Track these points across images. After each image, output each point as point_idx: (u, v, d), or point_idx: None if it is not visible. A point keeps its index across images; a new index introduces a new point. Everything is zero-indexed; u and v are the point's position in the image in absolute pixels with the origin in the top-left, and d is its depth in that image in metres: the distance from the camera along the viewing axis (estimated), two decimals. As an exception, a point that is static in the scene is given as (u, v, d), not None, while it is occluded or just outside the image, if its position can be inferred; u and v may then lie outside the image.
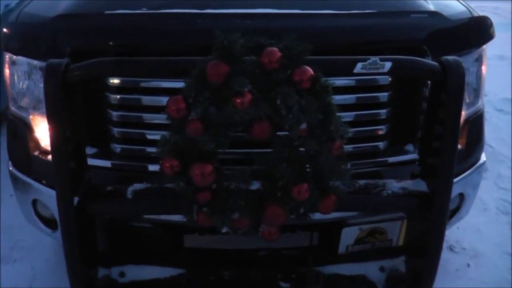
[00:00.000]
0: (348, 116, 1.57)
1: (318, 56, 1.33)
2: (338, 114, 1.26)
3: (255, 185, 1.33)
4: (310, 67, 1.21)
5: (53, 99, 1.33)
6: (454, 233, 2.76)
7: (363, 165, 1.66)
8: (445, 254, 2.61)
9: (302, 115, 1.18)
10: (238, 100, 1.16)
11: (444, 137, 1.43)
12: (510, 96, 4.73)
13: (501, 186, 3.39)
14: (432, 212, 1.49)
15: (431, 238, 1.50)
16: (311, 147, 1.23)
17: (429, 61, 1.39)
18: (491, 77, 5.23)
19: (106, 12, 1.61)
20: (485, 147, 3.79)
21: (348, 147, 1.62)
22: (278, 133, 1.27)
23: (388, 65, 1.28)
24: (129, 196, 1.48)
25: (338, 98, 1.55)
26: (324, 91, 1.20)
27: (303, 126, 1.20)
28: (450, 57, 1.38)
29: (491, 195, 3.26)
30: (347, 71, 1.29)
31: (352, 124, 1.60)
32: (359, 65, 1.27)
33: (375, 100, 1.60)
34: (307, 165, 1.30)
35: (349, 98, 1.57)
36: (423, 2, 1.76)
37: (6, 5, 3.67)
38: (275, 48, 1.18)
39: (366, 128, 1.62)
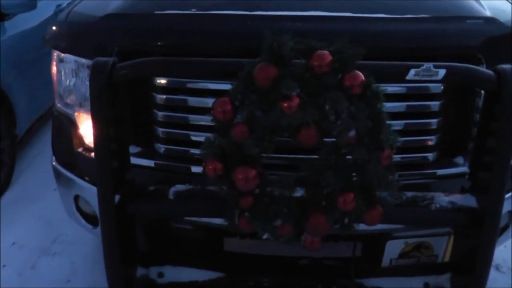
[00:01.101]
0: (397, 124, 1.51)
1: (369, 61, 1.29)
2: (388, 122, 1.22)
3: (299, 192, 1.29)
4: (362, 72, 1.17)
5: (98, 98, 1.34)
6: (500, 251, 2.63)
7: (411, 176, 1.60)
8: (491, 274, 2.50)
9: (352, 122, 1.14)
10: (286, 104, 1.13)
11: (497, 151, 1.36)
12: None
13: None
14: (482, 230, 1.42)
15: (479, 257, 1.43)
16: (359, 156, 1.19)
17: (484, 69, 1.33)
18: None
19: (154, 12, 1.61)
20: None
21: (396, 157, 1.57)
22: (325, 139, 1.23)
23: (442, 72, 1.23)
24: (171, 197, 1.47)
25: (388, 106, 1.51)
26: (375, 97, 1.15)
27: (352, 133, 1.16)
28: (506, 66, 1.31)
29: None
30: (400, 77, 1.24)
31: (401, 133, 1.54)
32: (412, 71, 1.22)
33: (426, 109, 1.54)
34: (354, 174, 1.26)
35: (399, 105, 1.51)
36: (479, 7, 1.68)
37: (58, 5, 3.77)
38: (325, 51, 1.14)
39: (415, 138, 1.56)
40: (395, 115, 1.50)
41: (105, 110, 1.36)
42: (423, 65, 1.22)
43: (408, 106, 1.52)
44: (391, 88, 1.44)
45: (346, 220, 1.27)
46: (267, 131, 1.18)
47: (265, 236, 1.31)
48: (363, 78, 1.14)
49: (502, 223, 1.92)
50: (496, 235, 1.47)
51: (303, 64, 1.16)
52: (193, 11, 1.58)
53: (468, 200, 1.47)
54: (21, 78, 3.14)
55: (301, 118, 1.15)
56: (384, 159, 1.21)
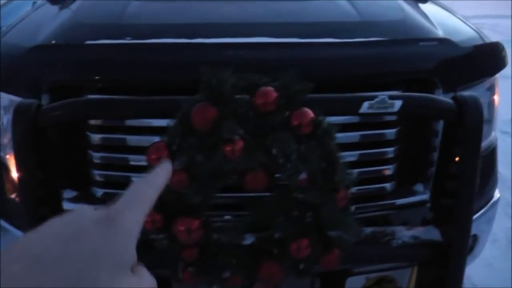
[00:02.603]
0: (351, 155, 1.43)
1: (318, 91, 1.19)
2: (342, 157, 1.12)
3: (250, 239, 1.18)
4: (312, 107, 1.07)
5: (22, 143, 1.20)
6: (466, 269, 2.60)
7: (369, 209, 1.51)
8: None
9: (302, 164, 1.03)
10: (228, 148, 1.01)
11: (461, 179, 1.28)
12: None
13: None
14: (448, 264, 1.33)
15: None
16: (312, 199, 1.08)
17: (443, 98, 1.25)
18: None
19: (85, 42, 1.47)
20: (493, 173, 3.64)
21: (352, 189, 1.48)
22: (276, 181, 1.12)
23: (398, 103, 1.14)
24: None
25: (341, 136, 1.42)
26: (327, 136, 1.05)
27: (303, 175, 1.05)
28: (466, 94, 1.25)
29: (501, 225, 3.10)
30: (352, 111, 1.15)
31: (357, 164, 1.46)
32: (366, 104, 1.13)
33: (382, 137, 1.45)
34: (308, 216, 1.15)
35: (353, 136, 1.42)
36: (432, 28, 1.62)
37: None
38: (270, 88, 1.03)
39: (371, 169, 1.47)
40: (349, 146, 1.41)
41: (31, 154, 1.22)
42: (377, 97, 1.13)
43: (362, 135, 1.44)
44: (343, 118, 1.35)
45: (301, 266, 1.16)
46: (209, 177, 1.06)
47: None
48: (312, 116, 1.04)
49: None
50: (463, 268, 1.39)
51: (246, 102, 1.05)
52: (128, 39, 1.45)
53: (432, 233, 1.39)
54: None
55: (246, 162, 1.03)
56: (339, 201, 1.11)
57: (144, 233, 1.19)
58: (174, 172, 1.06)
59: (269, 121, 1.03)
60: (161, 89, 1.34)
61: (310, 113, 1.04)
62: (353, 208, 1.49)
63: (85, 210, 0.43)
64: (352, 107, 1.14)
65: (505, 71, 5.96)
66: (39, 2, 2.14)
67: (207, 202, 1.09)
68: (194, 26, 1.50)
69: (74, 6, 1.85)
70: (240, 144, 1.02)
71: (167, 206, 1.10)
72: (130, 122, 1.39)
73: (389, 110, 1.14)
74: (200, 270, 1.15)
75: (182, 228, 1.09)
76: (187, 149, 1.06)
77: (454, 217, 1.31)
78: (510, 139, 4.27)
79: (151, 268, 1.35)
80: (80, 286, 0.37)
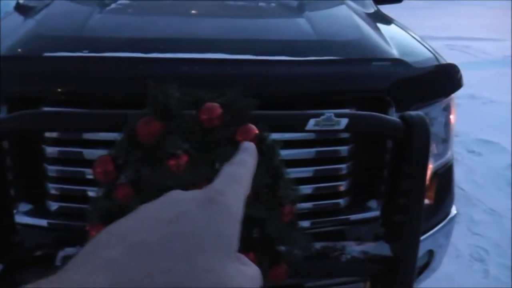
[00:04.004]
0: (305, 171, 1.45)
1: (271, 108, 1.21)
2: (294, 170, 1.13)
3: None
4: (258, 123, 1.09)
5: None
6: (426, 282, 2.62)
7: (324, 224, 1.53)
8: (416, 309, 2.47)
9: (246, 179, 1.04)
10: (173, 163, 1.02)
11: (409, 196, 1.31)
12: (481, 137, 4.70)
13: (475, 232, 3.29)
14: (397, 278, 1.35)
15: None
16: (257, 214, 1.09)
17: (390, 117, 1.28)
18: (463, 118, 5.26)
19: (42, 54, 1.47)
20: (457, 190, 3.71)
21: (307, 205, 1.50)
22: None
23: (344, 121, 1.16)
24: (58, 263, 1.31)
25: (294, 153, 1.44)
26: (271, 152, 1.06)
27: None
28: (413, 113, 1.28)
29: (465, 241, 3.15)
30: (299, 127, 1.17)
31: (310, 180, 1.48)
32: (312, 121, 1.15)
33: (335, 154, 1.48)
34: (256, 231, 1.16)
35: (307, 152, 1.44)
36: (387, 48, 1.66)
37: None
38: (215, 104, 1.05)
39: (325, 185, 1.49)
40: (303, 162, 1.44)
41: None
42: (323, 114, 1.16)
43: (316, 152, 1.46)
44: (297, 134, 1.38)
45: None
46: (154, 191, 1.06)
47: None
48: (257, 132, 1.05)
49: (422, 262, 1.89)
50: (412, 281, 1.41)
51: (192, 117, 1.06)
52: (85, 52, 1.46)
53: (382, 248, 1.41)
54: None
55: (191, 177, 1.04)
56: (285, 215, 1.12)
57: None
58: (120, 185, 1.07)
59: (214, 136, 1.04)
60: (116, 102, 1.35)
61: (254, 129, 1.05)
62: (308, 223, 1.52)
63: (184, 193, 0.41)
64: (298, 124, 1.16)
65: (477, 92, 6.11)
66: (9, 12, 2.14)
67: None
68: (150, 40, 1.52)
69: (38, 17, 1.85)
70: (184, 158, 1.03)
71: (114, 219, 1.10)
72: (86, 136, 1.39)
73: (335, 128, 1.16)
74: None
75: (128, 242, 1.09)
76: (133, 163, 1.06)
77: (403, 232, 1.33)
78: (476, 158, 4.36)
79: None
80: (190, 269, 0.33)
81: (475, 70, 7.15)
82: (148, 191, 1.06)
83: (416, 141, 1.25)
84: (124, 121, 1.08)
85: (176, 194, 0.41)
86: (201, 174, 1.04)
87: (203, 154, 1.04)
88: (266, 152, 1.06)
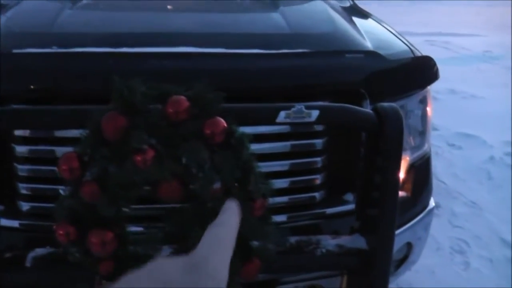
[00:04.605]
0: (280, 165, 1.43)
1: (244, 101, 1.19)
2: (258, 167, 1.11)
3: (167, 251, 1.15)
4: (227, 117, 1.06)
5: None
6: (406, 275, 2.63)
7: (300, 218, 1.51)
8: (397, 302, 2.48)
9: (215, 173, 1.02)
10: (139, 158, 0.99)
11: (383, 189, 1.30)
12: (461, 131, 4.73)
13: (456, 224, 3.31)
14: (372, 271, 1.34)
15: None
16: (227, 209, 1.07)
17: (362, 109, 1.27)
18: (443, 112, 5.30)
19: (11, 51, 1.44)
20: (438, 183, 3.75)
21: (283, 199, 1.49)
22: (191, 191, 1.11)
23: (315, 114, 1.15)
24: (28, 264, 1.28)
25: (270, 147, 1.43)
26: (241, 145, 1.04)
27: (217, 185, 1.04)
28: (386, 105, 1.26)
29: (445, 234, 3.18)
30: (269, 120, 1.15)
31: (285, 174, 1.46)
32: (282, 113, 1.13)
33: (310, 147, 1.46)
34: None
35: (282, 146, 1.43)
36: (361, 40, 1.66)
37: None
38: (182, 97, 1.02)
39: (300, 178, 1.48)
40: (277, 156, 1.42)
41: None
42: (293, 107, 1.14)
43: (291, 145, 1.44)
44: (271, 128, 1.36)
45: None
46: (122, 188, 1.04)
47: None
48: (225, 125, 1.03)
49: (400, 255, 1.89)
50: (387, 276, 1.40)
51: (158, 112, 1.03)
52: (54, 49, 1.43)
53: (357, 242, 1.40)
54: None
55: (157, 173, 1.02)
56: (256, 210, 1.10)
57: (59, 246, 1.15)
58: (85, 183, 1.04)
59: (181, 130, 1.02)
60: (87, 98, 1.32)
61: (222, 122, 1.03)
62: (284, 217, 1.50)
63: (167, 261, 0.42)
64: (268, 117, 1.14)
65: (457, 86, 6.18)
66: None
67: (121, 214, 1.07)
68: (120, 36, 1.49)
69: (9, 13, 1.81)
70: (151, 153, 1.00)
71: (80, 218, 1.08)
72: (57, 133, 1.36)
73: (306, 120, 1.14)
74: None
75: (95, 241, 1.06)
76: (98, 160, 1.03)
77: (378, 226, 1.32)
78: (456, 152, 4.40)
79: (69, 284, 1.30)
80: None
81: (455, 66, 7.22)
82: (115, 189, 1.03)
83: (389, 133, 1.23)
84: (88, 118, 1.05)
85: (159, 263, 0.42)
86: (168, 169, 1.02)
87: (170, 149, 1.02)
88: (235, 145, 1.04)
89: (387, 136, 1.24)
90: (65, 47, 1.44)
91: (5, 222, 1.44)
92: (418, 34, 9.67)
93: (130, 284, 0.39)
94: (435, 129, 4.77)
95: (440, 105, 5.39)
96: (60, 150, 1.37)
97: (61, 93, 1.38)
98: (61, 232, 1.08)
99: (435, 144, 4.41)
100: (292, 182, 1.46)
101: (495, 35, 10.75)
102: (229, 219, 0.48)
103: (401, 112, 1.62)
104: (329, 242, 1.37)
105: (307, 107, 1.15)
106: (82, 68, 1.37)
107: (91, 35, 1.53)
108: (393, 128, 1.24)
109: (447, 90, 5.89)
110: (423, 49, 1.91)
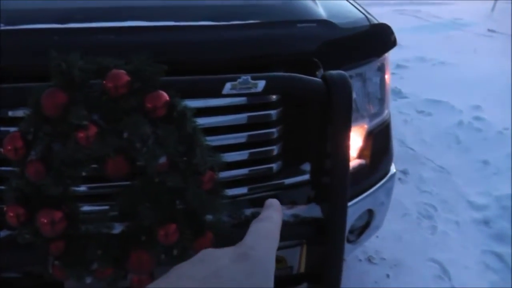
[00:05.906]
0: (235, 137, 1.43)
1: (195, 74, 1.18)
2: (204, 140, 1.10)
3: (119, 228, 1.15)
4: (171, 90, 1.05)
5: None
6: (372, 243, 2.69)
7: (259, 189, 1.52)
8: (363, 267, 2.53)
9: (159, 148, 1.02)
10: (81, 135, 0.98)
11: (334, 157, 1.31)
12: (430, 97, 4.78)
13: (424, 190, 3.37)
14: (327, 240, 1.36)
15: (327, 267, 1.38)
16: (175, 184, 1.07)
17: (310, 78, 1.26)
18: (413, 80, 5.34)
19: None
20: (406, 150, 3.80)
21: (241, 171, 1.49)
22: (138, 167, 1.10)
23: (261, 84, 1.14)
24: (-17, 247, 1.27)
25: (225, 119, 1.43)
26: (183, 118, 1.04)
27: (163, 160, 1.04)
28: (334, 72, 1.26)
29: (413, 200, 3.23)
30: (215, 92, 1.14)
31: (242, 146, 1.47)
32: (228, 85, 1.12)
33: (265, 118, 1.46)
34: (178, 202, 1.14)
35: (241, 117, 1.43)
36: (315, 10, 1.65)
37: None
38: (122, 71, 1.01)
39: (256, 150, 1.48)
40: (233, 128, 1.42)
41: None
42: (239, 78, 1.13)
43: (249, 117, 1.44)
44: (234, 99, 1.36)
45: (175, 252, 1.15)
46: (67, 166, 1.03)
47: (89, 281, 1.16)
48: (167, 98, 1.02)
49: (362, 222, 1.92)
50: (343, 241, 1.42)
51: (98, 87, 1.02)
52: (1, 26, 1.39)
53: (313, 210, 1.41)
54: None
55: (101, 149, 1.01)
56: (206, 183, 1.10)
57: (11, 228, 1.14)
58: (30, 162, 1.03)
59: (122, 105, 1.01)
60: (32, 76, 1.29)
61: (164, 95, 1.02)
62: (245, 189, 1.50)
63: (214, 250, 0.43)
64: (214, 89, 1.13)
65: (426, 54, 6.20)
66: None
67: (68, 193, 1.06)
68: (63, 11, 1.45)
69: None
70: (93, 130, 0.99)
71: (29, 198, 1.07)
72: (2, 113, 1.33)
73: (253, 91, 1.14)
74: (68, 263, 1.11)
75: (44, 221, 1.05)
76: (42, 138, 1.02)
77: (331, 194, 1.33)
78: (425, 118, 4.45)
79: (24, 266, 1.29)
80: None
81: (425, 34, 7.24)
82: (60, 166, 1.02)
83: (337, 101, 1.24)
84: (28, 95, 1.04)
85: (208, 252, 0.43)
86: (110, 145, 1.01)
87: (112, 124, 1.01)
88: (177, 119, 1.03)
89: (336, 104, 1.24)
90: (9, 24, 1.40)
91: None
92: (389, 4, 9.67)
93: (182, 272, 0.40)
94: (404, 96, 4.81)
95: (410, 73, 5.43)
96: (6, 131, 1.35)
97: (5, 71, 1.35)
98: (11, 214, 1.07)
99: (404, 112, 4.46)
100: (249, 154, 1.46)
101: (466, 2, 10.80)
102: (273, 214, 0.52)
103: (355, 80, 1.64)
104: (285, 212, 1.38)
105: (253, 78, 1.14)
106: (26, 45, 1.34)
107: (32, 11, 1.49)
108: (341, 96, 1.24)
109: (416, 58, 5.93)
110: (393, 18, 1.91)
